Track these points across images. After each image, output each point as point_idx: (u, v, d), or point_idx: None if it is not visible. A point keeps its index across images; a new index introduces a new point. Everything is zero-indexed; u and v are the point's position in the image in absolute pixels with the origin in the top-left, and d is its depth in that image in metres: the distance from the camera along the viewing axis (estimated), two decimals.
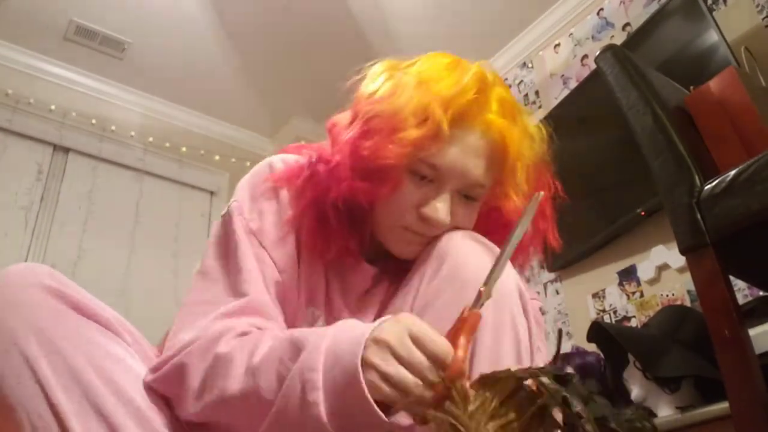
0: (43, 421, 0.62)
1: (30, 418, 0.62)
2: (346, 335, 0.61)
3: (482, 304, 0.63)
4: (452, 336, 0.59)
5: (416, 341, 0.58)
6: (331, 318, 0.84)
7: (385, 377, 0.57)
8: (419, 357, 0.57)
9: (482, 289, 0.64)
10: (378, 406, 0.57)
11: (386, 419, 0.57)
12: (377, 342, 0.58)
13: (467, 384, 0.55)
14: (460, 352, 0.57)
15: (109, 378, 0.66)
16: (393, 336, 0.58)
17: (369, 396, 0.56)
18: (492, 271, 0.65)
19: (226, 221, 0.83)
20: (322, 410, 0.58)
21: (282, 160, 0.88)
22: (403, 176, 0.79)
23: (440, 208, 0.79)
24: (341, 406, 0.59)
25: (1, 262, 2.59)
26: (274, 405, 0.62)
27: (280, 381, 0.62)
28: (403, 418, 0.62)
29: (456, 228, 0.81)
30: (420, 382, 0.57)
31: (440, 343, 0.58)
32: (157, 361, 0.72)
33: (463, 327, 0.60)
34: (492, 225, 0.86)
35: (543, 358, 0.92)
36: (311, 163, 0.84)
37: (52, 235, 2.83)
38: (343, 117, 0.86)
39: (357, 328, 0.62)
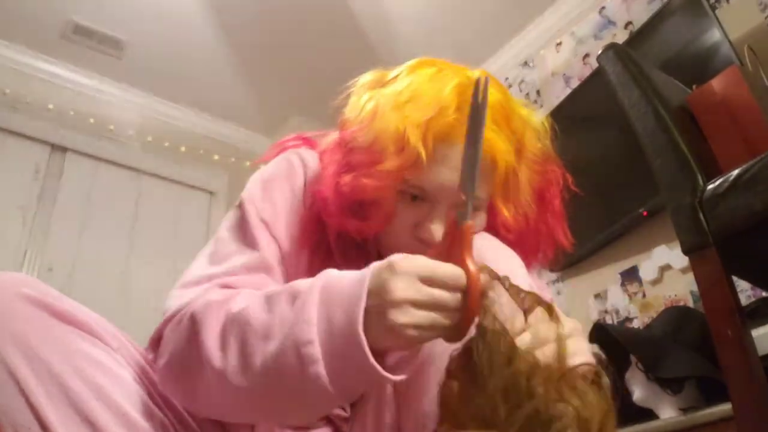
0: (30, 431, 0.61)
1: (15, 428, 0.61)
2: (338, 302, 0.59)
3: (468, 213, 0.61)
4: (450, 254, 0.60)
5: (429, 281, 0.57)
6: None
7: (419, 326, 0.56)
8: (440, 295, 0.57)
9: (464, 197, 0.62)
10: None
11: (390, 376, 0.58)
12: (393, 304, 0.56)
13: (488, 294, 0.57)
14: (472, 268, 0.57)
15: (94, 384, 0.65)
16: (407, 291, 0.56)
17: (375, 364, 0.56)
18: (465, 173, 0.63)
19: (240, 209, 0.84)
20: (326, 382, 0.57)
21: (299, 156, 0.87)
22: (394, 204, 0.77)
23: (435, 229, 0.77)
24: (343, 376, 0.58)
25: None
26: (259, 382, 0.61)
27: (269, 358, 0.60)
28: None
29: None
30: (447, 320, 0.57)
31: (451, 272, 0.57)
32: (153, 335, 0.74)
33: (462, 243, 0.60)
34: (498, 232, 0.83)
35: None
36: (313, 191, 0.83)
37: (50, 236, 2.82)
38: (331, 143, 0.85)
39: (350, 294, 0.59)
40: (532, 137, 0.82)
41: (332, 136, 0.86)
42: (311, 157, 0.88)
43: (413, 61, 0.84)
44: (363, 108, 0.80)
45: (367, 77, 0.85)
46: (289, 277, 0.82)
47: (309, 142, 0.94)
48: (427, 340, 0.59)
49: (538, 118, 0.86)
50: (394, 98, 0.77)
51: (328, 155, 0.83)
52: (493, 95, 0.78)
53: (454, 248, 0.60)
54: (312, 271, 0.81)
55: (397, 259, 0.58)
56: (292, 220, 0.83)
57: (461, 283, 0.57)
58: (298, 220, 0.83)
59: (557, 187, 0.88)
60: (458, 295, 0.57)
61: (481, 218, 0.81)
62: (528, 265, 0.85)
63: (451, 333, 0.58)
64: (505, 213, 0.80)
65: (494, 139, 0.75)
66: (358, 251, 0.83)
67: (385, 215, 0.77)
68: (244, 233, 0.81)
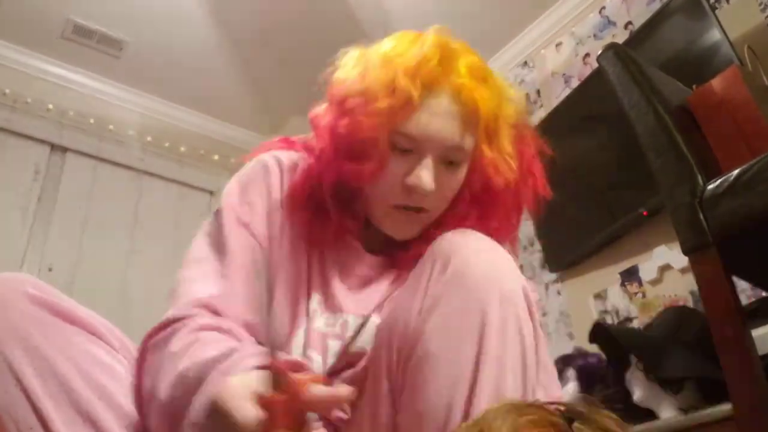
0: (32, 430, 0.62)
1: (18, 427, 0.62)
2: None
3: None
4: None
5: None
6: (329, 301, 0.85)
7: None
8: None
9: None
10: None
11: None
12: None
13: None
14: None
15: (97, 384, 0.66)
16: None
17: None
18: None
19: (216, 215, 0.88)
20: None
21: (274, 156, 0.91)
22: (387, 152, 0.81)
23: (423, 175, 0.80)
24: None
25: None
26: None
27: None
28: None
29: (443, 194, 0.84)
30: None
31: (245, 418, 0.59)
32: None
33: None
34: (485, 209, 0.87)
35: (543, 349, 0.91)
36: (303, 158, 0.88)
37: (50, 236, 2.82)
38: (321, 107, 0.89)
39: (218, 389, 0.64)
40: (507, 101, 0.86)
41: (322, 104, 0.90)
42: (285, 156, 0.92)
43: (396, 33, 0.89)
44: (351, 69, 0.86)
45: (352, 50, 0.90)
46: (277, 263, 0.85)
47: (290, 144, 0.97)
48: None
49: (511, 86, 0.91)
50: (382, 56, 0.83)
51: (320, 116, 0.87)
52: (470, 57, 0.85)
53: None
54: (301, 253, 0.86)
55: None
56: (273, 217, 0.87)
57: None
58: (278, 215, 0.87)
59: (533, 149, 0.91)
60: None
61: (461, 173, 0.84)
62: (514, 229, 0.90)
63: None
64: (490, 155, 0.83)
65: (477, 89, 0.80)
66: (346, 212, 0.86)
67: (378, 159, 0.81)
68: (224, 250, 0.84)
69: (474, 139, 0.83)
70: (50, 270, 2.74)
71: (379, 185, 0.83)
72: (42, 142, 2.96)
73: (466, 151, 0.83)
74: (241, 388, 0.62)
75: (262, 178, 0.89)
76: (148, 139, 3.27)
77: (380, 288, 0.86)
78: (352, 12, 2.87)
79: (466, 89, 0.80)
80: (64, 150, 3.02)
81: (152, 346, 0.75)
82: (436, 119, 0.79)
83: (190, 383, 0.65)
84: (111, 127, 3.18)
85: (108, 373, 0.69)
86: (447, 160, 0.82)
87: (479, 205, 0.86)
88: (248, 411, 0.59)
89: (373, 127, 0.79)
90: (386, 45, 0.86)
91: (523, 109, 0.90)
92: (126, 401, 0.68)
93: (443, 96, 0.80)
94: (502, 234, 0.87)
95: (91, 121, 3.11)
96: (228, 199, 0.89)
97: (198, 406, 0.63)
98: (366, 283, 0.87)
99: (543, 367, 0.85)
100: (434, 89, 0.80)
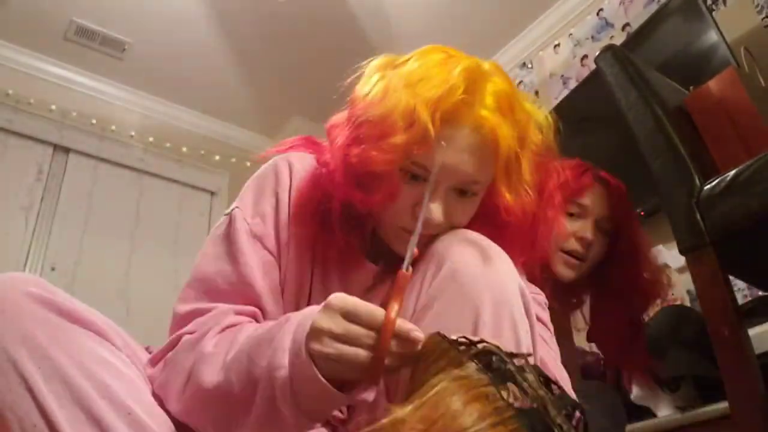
0: (36, 428, 0.62)
1: (22, 426, 0.62)
2: (298, 331, 0.66)
3: (408, 264, 0.66)
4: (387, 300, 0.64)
5: (349, 317, 0.62)
6: None
7: (330, 357, 0.62)
8: (354, 328, 0.61)
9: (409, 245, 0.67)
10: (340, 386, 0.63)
11: (341, 393, 0.63)
12: (315, 331, 0.63)
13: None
14: (391, 313, 0.61)
15: (101, 382, 0.66)
16: (326, 321, 0.62)
17: (320, 376, 0.62)
18: (414, 231, 0.69)
19: (230, 224, 0.84)
20: (289, 401, 0.63)
21: (287, 162, 0.89)
22: (399, 180, 0.78)
23: (434, 209, 0.78)
24: (304, 395, 0.63)
25: (1, 263, 2.59)
26: (247, 401, 0.66)
27: (251, 377, 0.66)
28: (364, 393, 0.65)
29: (454, 223, 0.81)
30: (359, 351, 0.61)
31: (368, 310, 0.62)
32: (154, 354, 0.76)
33: (394, 287, 0.65)
34: (496, 234, 0.83)
35: (552, 354, 0.91)
36: (315, 167, 0.85)
37: (53, 236, 2.83)
38: (340, 118, 0.86)
39: (302, 323, 0.66)
40: (534, 130, 0.83)
41: (342, 114, 0.86)
42: (300, 162, 0.89)
43: (424, 47, 0.85)
44: (374, 86, 0.81)
45: (378, 59, 0.86)
46: (284, 276, 0.84)
47: (312, 144, 0.95)
48: (345, 375, 0.63)
49: (542, 112, 0.86)
50: (406, 77, 0.78)
51: (338, 130, 0.83)
52: (498, 84, 0.79)
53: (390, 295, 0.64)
54: (309, 261, 0.84)
55: (331, 297, 0.64)
56: (281, 228, 0.84)
57: (375, 322, 0.61)
58: (287, 225, 0.84)
59: (557, 182, 0.88)
60: (372, 333, 0.61)
61: (475, 202, 0.82)
62: (524, 258, 0.87)
63: (366, 373, 0.62)
64: (507, 197, 0.80)
65: (498, 124, 0.76)
66: (353, 228, 0.84)
67: (389, 190, 0.78)
68: (237, 259, 0.81)
69: (492, 172, 0.80)
70: (53, 269, 2.75)
71: (388, 209, 0.80)
72: (45, 142, 2.97)
73: (482, 183, 0.80)
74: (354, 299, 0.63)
75: (273, 186, 0.86)
76: (150, 139, 3.28)
77: (380, 298, 0.85)
78: (352, 13, 2.88)
79: (488, 123, 0.76)
80: (67, 150, 3.03)
81: (182, 346, 0.74)
82: (454, 153, 0.76)
83: (263, 338, 0.67)
84: (113, 127, 3.18)
85: (112, 372, 0.68)
86: (461, 191, 0.80)
87: (491, 230, 0.82)
88: (374, 307, 0.62)
89: (386, 162, 0.75)
90: (412, 64, 0.81)
91: (549, 136, 0.85)
92: (129, 400, 0.68)
93: (464, 128, 0.76)
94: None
95: (93, 121, 3.12)
96: (241, 209, 0.85)
97: (292, 332, 0.64)
98: (367, 294, 0.86)
99: (548, 370, 0.86)
100: (455, 121, 0.76)
